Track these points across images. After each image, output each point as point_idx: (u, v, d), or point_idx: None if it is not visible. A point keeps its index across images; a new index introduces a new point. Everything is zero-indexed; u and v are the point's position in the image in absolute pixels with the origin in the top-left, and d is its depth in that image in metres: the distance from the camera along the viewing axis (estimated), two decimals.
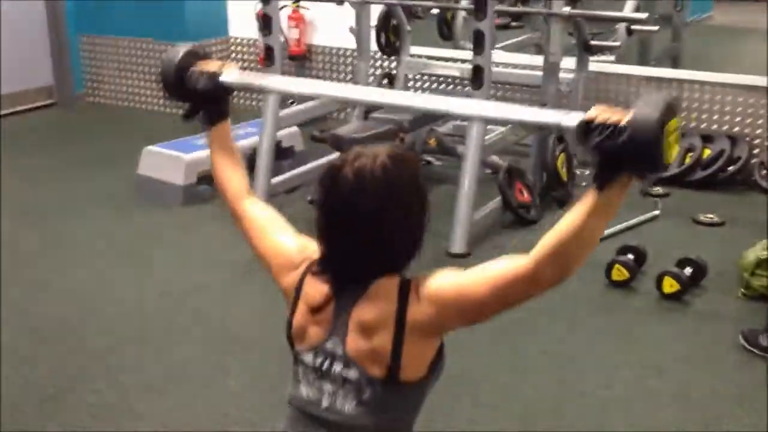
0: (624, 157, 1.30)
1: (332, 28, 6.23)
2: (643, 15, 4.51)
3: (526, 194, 4.48)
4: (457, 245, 4.06)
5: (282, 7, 6.43)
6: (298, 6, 6.40)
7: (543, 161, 4.72)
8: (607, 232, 4.18)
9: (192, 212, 4.60)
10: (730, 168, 4.94)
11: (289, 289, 1.60)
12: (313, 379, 1.54)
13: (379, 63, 6.06)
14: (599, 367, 3.13)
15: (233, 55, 6.81)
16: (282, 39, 6.49)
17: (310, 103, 5.06)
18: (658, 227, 4.42)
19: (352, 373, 1.50)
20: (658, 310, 3.53)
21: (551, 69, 4.64)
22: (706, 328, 3.38)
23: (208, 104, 1.80)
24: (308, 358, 1.55)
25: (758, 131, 5.09)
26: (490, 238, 4.23)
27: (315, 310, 1.54)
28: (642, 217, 4.43)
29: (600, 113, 1.36)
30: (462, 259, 4.01)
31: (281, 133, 4.89)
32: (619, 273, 3.67)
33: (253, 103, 6.45)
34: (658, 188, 4.88)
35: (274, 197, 4.60)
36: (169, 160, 4.78)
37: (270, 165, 4.58)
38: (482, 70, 3.94)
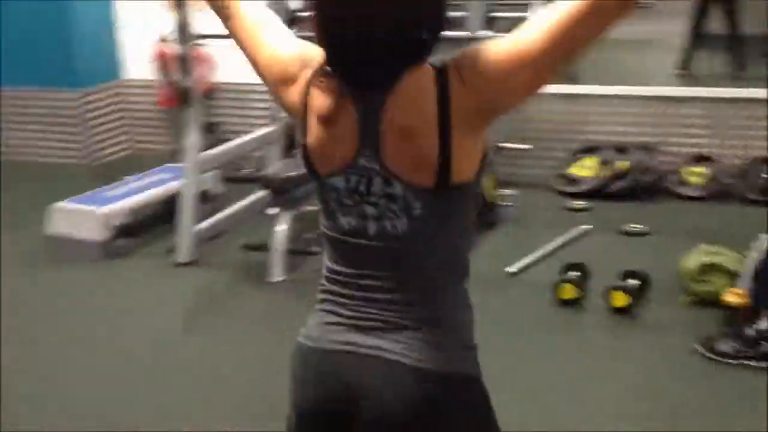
0: None
1: (236, 64, 6.05)
2: None
3: None
4: None
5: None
6: (199, 45, 6.21)
7: None
8: (541, 252, 4.21)
9: (113, 267, 4.34)
10: (648, 177, 5.07)
11: (294, 105, 1.37)
12: (351, 205, 1.34)
13: None
14: (561, 387, 3.10)
15: (130, 98, 6.54)
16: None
17: (229, 145, 4.90)
18: (587, 241, 4.47)
19: (396, 188, 1.30)
20: (611, 325, 3.55)
21: None
22: (661, 339, 3.41)
23: None
24: (339, 182, 1.34)
25: (670, 139, 5.26)
26: None
27: (332, 122, 1.31)
28: (575, 232, 4.47)
29: None
30: None
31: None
32: (569, 291, 3.67)
33: (160, 147, 6.21)
34: (580, 202, 4.96)
35: (200, 245, 4.43)
36: (81, 216, 4.51)
37: (195, 211, 4.39)
38: None
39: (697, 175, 5.07)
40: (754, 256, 3.65)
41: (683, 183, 5.08)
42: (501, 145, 5.00)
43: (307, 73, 1.36)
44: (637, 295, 3.64)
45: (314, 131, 1.34)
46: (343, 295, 1.39)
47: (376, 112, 1.28)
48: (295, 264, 4.21)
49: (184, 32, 4.30)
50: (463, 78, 1.26)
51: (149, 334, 3.64)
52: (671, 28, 7.14)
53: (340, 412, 1.39)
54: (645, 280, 3.73)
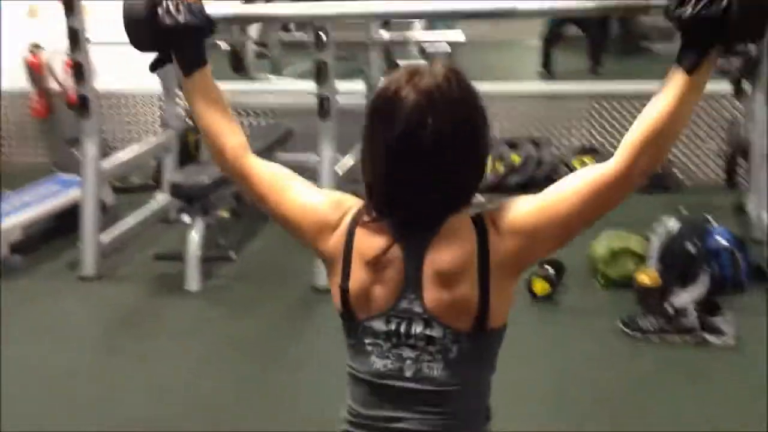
0: (726, 24, 1.21)
1: (114, 73, 5.85)
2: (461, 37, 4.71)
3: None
4: (322, 280, 3.94)
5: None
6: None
7: None
8: None
9: (10, 287, 4.08)
10: (542, 170, 5.29)
11: (334, 251, 1.37)
12: (389, 348, 1.34)
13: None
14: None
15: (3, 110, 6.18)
16: (57, 87, 6.06)
17: (126, 153, 4.72)
18: None
19: (436, 332, 1.32)
20: (535, 312, 3.67)
21: (373, 91, 4.69)
22: (584, 321, 3.57)
23: (184, 46, 1.45)
24: (378, 324, 1.34)
25: (555, 132, 5.50)
26: None
27: (378, 268, 1.32)
28: None
29: None
30: (329, 293, 3.91)
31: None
32: (542, 287, 3.73)
33: (38, 159, 5.90)
34: (479, 197, 5.10)
35: (104, 258, 4.24)
36: None
37: (98, 223, 4.20)
38: (327, 99, 3.89)
39: (586, 165, 5.32)
40: (658, 238, 3.88)
41: None
42: None
43: (347, 219, 1.37)
44: (556, 282, 3.79)
45: (357, 275, 1.34)
46: None
47: (419, 258, 1.32)
48: (210, 271, 4.11)
49: (77, 38, 4.09)
50: (499, 230, 1.32)
51: (64, 355, 3.45)
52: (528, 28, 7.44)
53: None
54: (560, 268, 3.89)
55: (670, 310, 3.39)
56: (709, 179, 5.40)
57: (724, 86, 4.83)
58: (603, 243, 3.94)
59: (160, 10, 1.42)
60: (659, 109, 1.28)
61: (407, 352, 1.34)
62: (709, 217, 3.99)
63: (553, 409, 2.91)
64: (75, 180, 4.89)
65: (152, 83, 5.57)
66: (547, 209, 1.31)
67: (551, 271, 3.80)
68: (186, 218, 4.10)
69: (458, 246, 1.31)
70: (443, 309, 1.32)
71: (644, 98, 4.79)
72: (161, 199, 4.98)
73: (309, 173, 4.98)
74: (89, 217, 4.16)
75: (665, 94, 1.28)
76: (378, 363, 1.35)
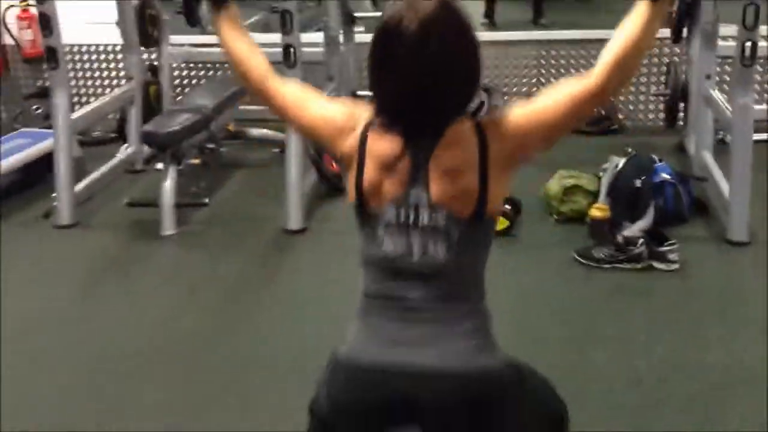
0: None
1: (68, 25, 5.87)
2: None
3: (335, 165, 4.67)
4: (293, 222, 4.15)
5: (8, 8, 6.00)
6: (27, 5, 5.94)
7: None
8: None
9: None
10: None
11: (350, 152, 1.60)
12: (399, 233, 1.56)
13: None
14: None
15: None
16: (12, 42, 6.06)
17: (93, 105, 4.80)
18: None
19: (440, 219, 1.54)
20: (495, 245, 3.91)
21: (333, 43, 4.85)
22: (541, 253, 3.84)
23: None
24: (390, 213, 1.56)
25: (505, 80, 5.74)
26: (317, 211, 4.37)
27: (389, 165, 1.55)
28: None
29: None
30: (300, 234, 4.13)
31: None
32: (500, 222, 3.87)
33: None
34: None
35: (78, 207, 4.36)
36: None
37: (72, 174, 4.31)
38: (293, 48, 4.04)
39: None
40: (607, 176, 4.16)
41: None
42: (358, 94, 5.25)
43: (360, 126, 1.59)
44: (513, 218, 4.05)
45: (370, 171, 1.56)
46: (387, 311, 1.58)
47: (426, 157, 1.54)
48: (184, 217, 4.27)
49: None
50: (496, 132, 1.55)
51: (47, 297, 3.58)
52: None
53: (392, 412, 1.53)
54: (517, 205, 4.14)
55: (620, 240, 3.67)
56: (652, 122, 5.71)
57: (664, 32, 5.11)
58: (556, 181, 4.21)
59: None
60: (627, 34, 1.52)
61: (415, 237, 1.55)
62: (654, 155, 4.29)
63: (516, 327, 3.14)
64: (42, 133, 4.99)
65: (110, 36, 5.65)
66: (536, 116, 1.55)
67: (509, 208, 4.05)
68: (159, 165, 4.23)
69: (461, 147, 1.53)
70: (447, 199, 1.53)
71: (585, 44, 5.17)
72: (127, 150, 5.10)
73: (271, 124, 5.18)
74: (63, 167, 4.27)
75: (632, 20, 1.53)
76: (389, 247, 1.57)
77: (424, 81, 1.50)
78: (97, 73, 6.11)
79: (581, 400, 2.64)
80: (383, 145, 1.56)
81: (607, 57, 1.52)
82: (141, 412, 2.73)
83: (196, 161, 4.63)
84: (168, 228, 4.14)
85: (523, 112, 1.56)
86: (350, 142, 1.60)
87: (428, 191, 1.54)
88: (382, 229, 1.57)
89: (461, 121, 1.55)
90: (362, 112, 1.61)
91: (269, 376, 2.90)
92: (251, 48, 1.72)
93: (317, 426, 1.64)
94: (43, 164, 4.75)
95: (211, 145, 4.73)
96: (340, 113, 1.64)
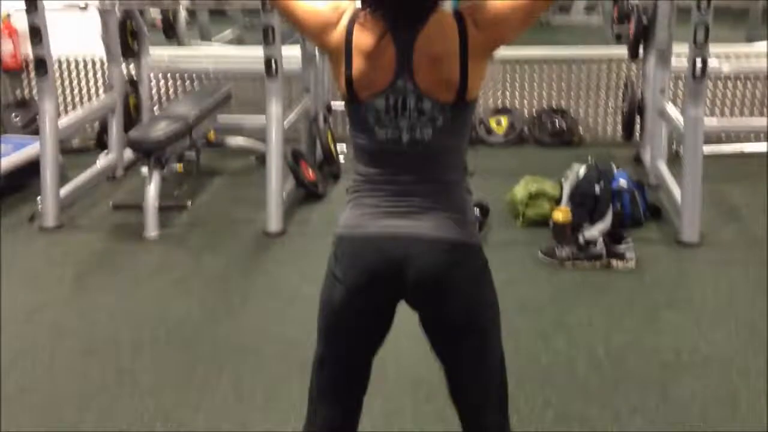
0: None
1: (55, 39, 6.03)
2: None
3: (311, 172, 4.89)
4: (273, 225, 4.36)
5: None
6: (9, 17, 6.08)
7: (314, 141, 5.17)
8: None
9: None
10: None
11: (337, 46, 1.73)
12: (389, 120, 1.71)
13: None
14: None
15: None
16: None
17: (77, 113, 4.96)
18: None
19: (426, 104, 1.68)
20: None
21: (309, 56, 5.08)
22: (509, 254, 4.07)
23: None
24: (379, 102, 1.70)
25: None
26: (295, 214, 4.58)
27: (377, 55, 1.68)
28: None
29: None
30: (280, 237, 4.33)
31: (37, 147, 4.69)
32: None
33: None
34: None
35: (65, 209, 4.52)
36: None
37: (57, 177, 4.47)
38: (275, 60, 4.26)
39: (500, 124, 5.88)
40: (569, 182, 4.43)
41: (490, 131, 5.87)
42: (332, 105, 5.48)
43: (344, 19, 1.73)
44: (483, 222, 4.29)
45: (358, 63, 1.70)
46: (379, 190, 1.77)
47: (410, 45, 1.68)
48: (166, 220, 4.44)
49: (33, 1, 4.32)
50: (475, 21, 1.70)
51: (36, 293, 3.74)
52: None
53: (387, 278, 1.76)
54: (485, 209, 4.39)
55: (581, 241, 3.94)
56: (610, 135, 6.02)
57: (621, 51, 5.44)
58: (522, 187, 4.47)
59: None
60: None
61: (403, 122, 1.71)
62: (612, 164, 4.58)
63: None
64: (25, 141, 5.14)
65: (92, 49, 5.83)
66: (507, 7, 1.70)
67: (477, 212, 4.30)
68: (143, 170, 4.41)
69: (443, 35, 1.68)
70: (432, 85, 1.68)
71: (551, 62, 5.54)
72: (107, 157, 5.26)
73: (248, 132, 5.39)
74: (49, 171, 4.43)
75: None
76: (380, 133, 1.73)
77: None
78: (75, 83, 6.26)
79: (546, 381, 2.91)
80: (368, 37, 1.70)
81: None
82: (134, 395, 2.90)
83: (178, 167, 4.81)
84: (151, 230, 4.31)
85: (498, 4, 1.70)
86: (337, 36, 1.73)
87: (414, 79, 1.69)
88: (372, 116, 1.73)
89: (441, 11, 1.70)
90: (346, 6, 1.75)
91: (255, 361, 3.09)
92: None
93: (329, 316, 1.83)
94: (26, 170, 4.91)
95: (192, 153, 4.92)
96: (326, 7, 1.77)
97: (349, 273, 1.78)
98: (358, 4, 1.76)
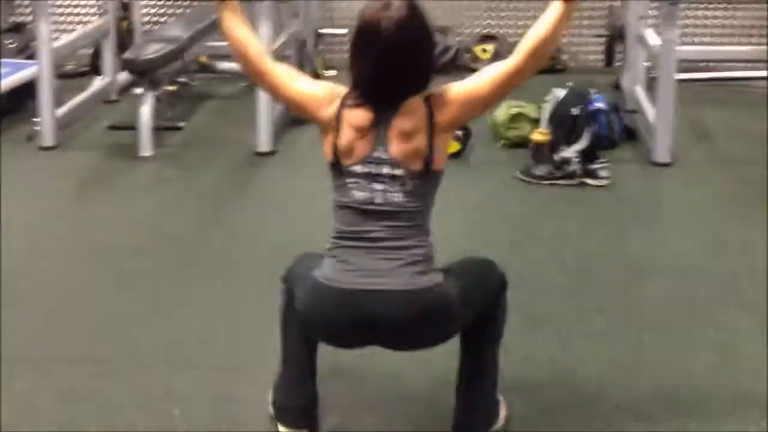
0: None
1: None
2: None
3: None
4: (264, 145, 4.52)
5: None
6: None
7: (303, 65, 5.31)
8: None
9: None
10: (448, 55, 5.92)
11: (330, 120, 2.02)
12: (365, 184, 1.99)
13: None
14: None
15: None
16: None
17: (70, 36, 5.07)
18: None
19: (398, 171, 1.98)
20: (449, 166, 4.30)
21: None
22: (490, 172, 4.27)
23: None
24: (359, 168, 2.00)
25: (462, 21, 6.14)
26: (284, 135, 4.74)
27: (361, 130, 1.98)
28: None
29: None
30: (270, 156, 4.50)
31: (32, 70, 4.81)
32: (453, 146, 4.29)
33: None
34: None
35: (62, 129, 4.67)
36: None
37: (53, 98, 4.61)
38: None
39: (485, 51, 6.01)
40: (548, 105, 4.59)
41: (476, 59, 6.01)
42: (321, 31, 5.61)
43: (338, 100, 2.03)
44: (465, 143, 4.47)
45: (345, 136, 2.00)
46: (353, 247, 2.01)
47: (387, 123, 1.99)
48: (160, 140, 4.60)
49: None
50: (442, 103, 2.00)
51: (38, 207, 3.92)
52: None
53: (360, 326, 2.00)
54: (467, 131, 4.55)
55: (558, 160, 4.12)
56: (591, 61, 6.16)
57: None
58: (503, 110, 4.63)
59: None
60: (544, 28, 1.98)
61: (378, 186, 1.99)
62: (591, 89, 4.73)
63: (469, 231, 3.60)
64: (20, 63, 5.25)
65: None
66: (472, 91, 2.02)
67: (460, 133, 4.46)
68: (138, 90, 4.55)
69: (414, 115, 1.99)
70: (403, 156, 1.98)
71: None
72: (101, 81, 5.39)
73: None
74: (46, 92, 4.57)
75: (547, 17, 1.98)
76: (357, 194, 2.00)
77: (395, 66, 1.96)
78: (69, 9, 6.35)
79: (520, 285, 3.05)
80: (356, 115, 1.99)
81: (526, 45, 1.99)
82: (134, 293, 3.10)
83: (171, 89, 4.95)
84: (146, 149, 4.47)
85: (461, 88, 2.02)
86: (330, 112, 2.02)
87: (388, 150, 1.98)
88: (352, 180, 2.01)
89: (415, 96, 1.99)
90: (340, 91, 2.04)
91: (246, 266, 3.28)
92: (250, 34, 2.13)
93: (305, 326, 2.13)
94: (23, 92, 5.03)
95: (184, 76, 5.05)
96: (321, 89, 2.07)
97: (324, 319, 2.05)
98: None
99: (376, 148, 1.99)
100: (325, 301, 2.02)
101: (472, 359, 2.19)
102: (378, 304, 1.96)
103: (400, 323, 1.98)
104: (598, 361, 2.61)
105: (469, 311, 2.09)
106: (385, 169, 1.98)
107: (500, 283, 2.20)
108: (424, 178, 2.00)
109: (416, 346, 2.14)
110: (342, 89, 2.05)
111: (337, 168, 2.03)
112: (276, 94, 2.15)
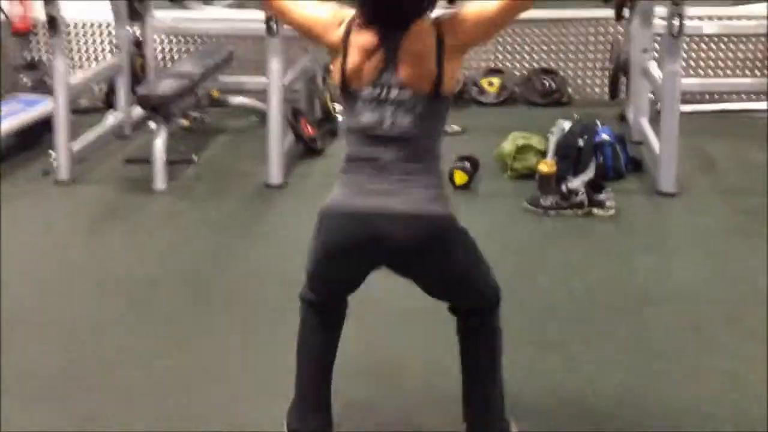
0: None
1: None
2: None
3: (310, 128, 5.13)
4: (275, 178, 4.60)
5: None
6: None
7: (313, 99, 5.41)
8: None
9: None
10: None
11: (337, 43, 2.03)
12: (374, 107, 1.99)
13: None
14: None
15: None
16: (3, 17, 6.39)
17: (87, 72, 5.18)
18: None
19: (406, 94, 1.97)
20: (456, 197, 4.40)
21: None
22: (497, 203, 4.34)
23: None
24: (367, 91, 2.00)
25: (469, 54, 6.21)
26: (294, 168, 4.83)
27: (368, 53, 1.98)
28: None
29: None
30: (280, 189, 4.58)
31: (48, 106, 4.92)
32: (461, 177, 4.47)
33: None
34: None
35: (77, 164, 4.76)
36: None
37: (69, 133, 4.71)
38: (274, 20, 4.47)
39: (492, 84, 6.11)
40: (555, 136, 4.67)
41: (482, 92, 6.10)
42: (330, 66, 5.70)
43: (344, 24, 2.05)
44: (472, 174, 4.54)
45: (353, 59, 2.00)
46: (363, 168, 2.04)
47: (395, 46, 1.99)
48: (173, 173, 4.69)
49: None
50: (451, 26, 2.00)
51: (54, 240, 3.99)
52: None
53: (368, 249, 2.03)
54: (475, 163, 4.63)
55: (565, 190, 4.19)
56: (596, 94, 6.25)
57: (607, 12, 5.65)
58: (510, 142, 4.71)
59: None
60: None
61: (387, 109, 1.99)
62: (596, 120, 4.81)
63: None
64: (37, 99, 5.36)
65: (98, 13, 6.05)
66: (481, 13, 1.99)
67: (468, 165, 4.55)
68: (152, 125, 4.65)
69: (423, 38, 1.99)
70: (412, 79, 1.97)
71: (541, 23, 5.81)
72: (115, 117, 5.49)
73: (249, 92, 5.61)
74: (62, 127, 4.67)
75: None
76: (366, 117, 2.01)
77: None
78: (83, 46, 6.48)
79: (528, 312, 3.17)
80: (363, 38, 2.00)
81: None
82: (150, 324, 3.16)
83: (184, 123, 5.05)
84: (160, 183, 4.56)
85: (469, 11, 2.01)
86: (337, 35, 2.04)
87: (397, 73, 1.98)
88: (361, 104, 2.02)
89: (423, 19, 2.00)
90: (346, 14, 2.06)
91: (259, 298, 3.35)
92: None
93: (310, 281, 2.18)
94: (38, 128, 5.14)
95: (196, 110, 5.15)
96: (327, 12, 2.09)
97: (333, 243, 2.07)
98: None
99: (385, 71, 1.98)
100: (335, 222, 2.04)
101: (477, 388, 2.24)
102: (386, 225, 1.97)
103: (409, 245, 1.99)
104: (607, 387, 2.66)
105: (470, 274, 2.17)
106: (394, 93, 1.98)
107: (496, 291, 2.25)
108: (434, 102, 1.99)
109: (422, 273, 2.11)
110: (349, 12, 2.06)
111: (346, 92, 2.04)
112: (284, 19, 2.19)
